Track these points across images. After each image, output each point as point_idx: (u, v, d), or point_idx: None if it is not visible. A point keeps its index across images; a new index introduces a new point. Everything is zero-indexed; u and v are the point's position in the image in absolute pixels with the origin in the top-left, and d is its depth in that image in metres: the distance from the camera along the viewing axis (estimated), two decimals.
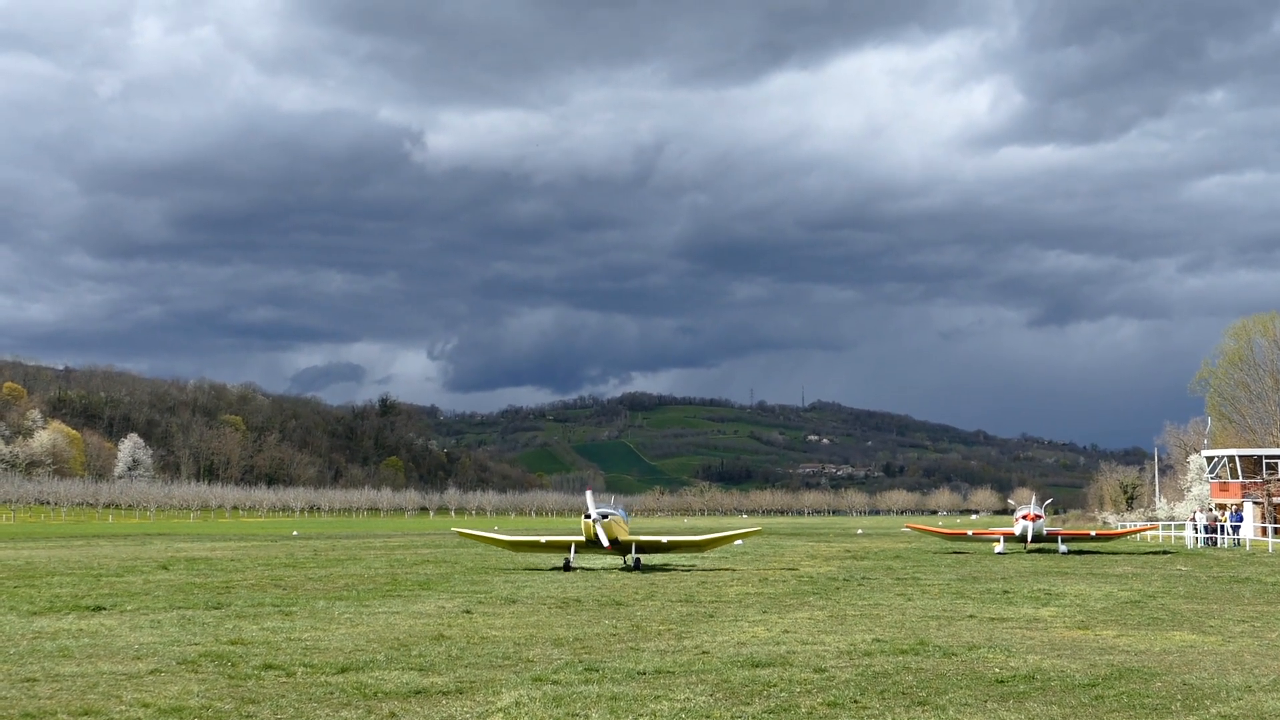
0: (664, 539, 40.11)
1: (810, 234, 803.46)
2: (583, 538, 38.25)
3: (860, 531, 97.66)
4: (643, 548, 39.21)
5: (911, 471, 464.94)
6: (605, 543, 37.52)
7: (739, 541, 55.92)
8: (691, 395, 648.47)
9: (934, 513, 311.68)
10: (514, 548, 43.40)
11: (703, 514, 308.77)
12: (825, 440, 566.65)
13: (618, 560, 40.17)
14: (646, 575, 35.63)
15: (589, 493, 39.86)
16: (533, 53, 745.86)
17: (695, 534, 41.02)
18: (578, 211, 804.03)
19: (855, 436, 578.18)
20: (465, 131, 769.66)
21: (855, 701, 13.71)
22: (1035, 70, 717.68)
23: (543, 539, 40.93)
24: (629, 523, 40.31)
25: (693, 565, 40.56)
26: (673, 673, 15.85)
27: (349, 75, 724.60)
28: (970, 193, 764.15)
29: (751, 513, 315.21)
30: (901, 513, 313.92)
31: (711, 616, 23.53)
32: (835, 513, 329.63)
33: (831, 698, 13.91)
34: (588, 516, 37.76)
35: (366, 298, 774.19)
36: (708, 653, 17.88)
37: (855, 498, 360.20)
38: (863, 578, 35.20)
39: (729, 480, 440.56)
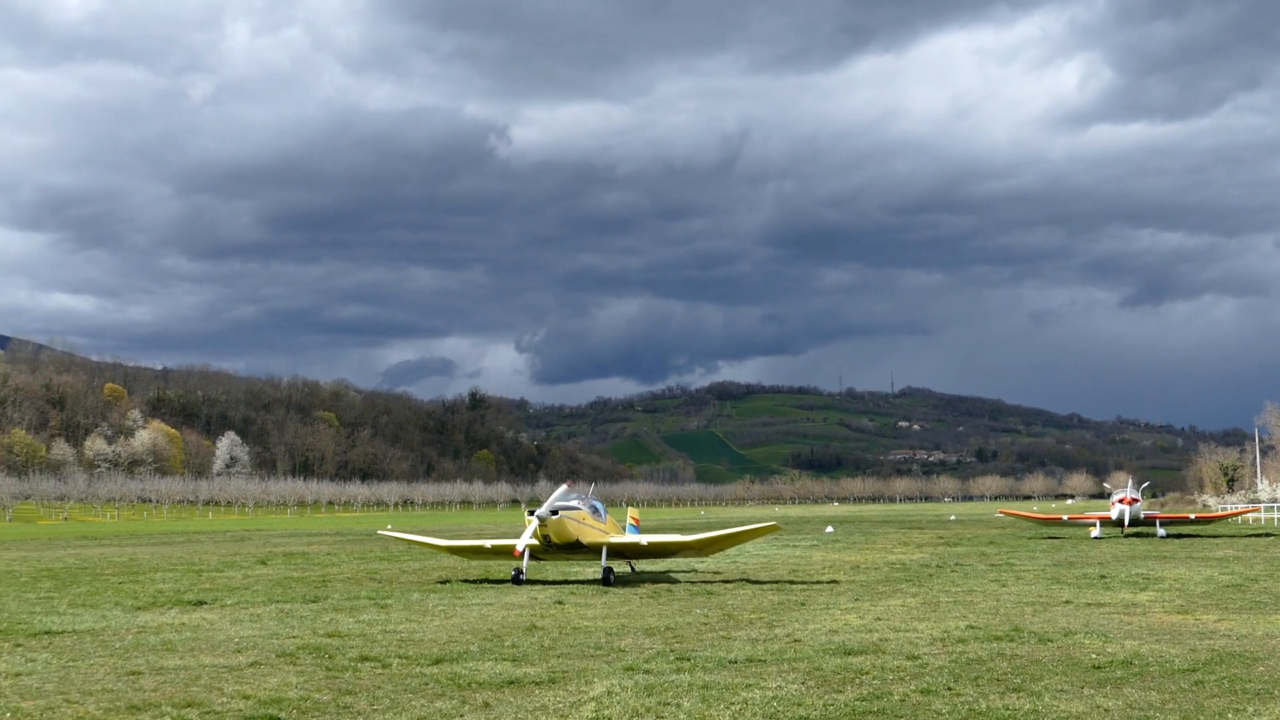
0: (644, 540, 31.07)
1: (897, 218, 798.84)
2: (536, 541, 29.45)
3: (953, 518, 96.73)
4: (617, 552, 30.83)
5: (1004, 456, 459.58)
6: (555, 544, 29.20)
7: (807, 528, 55.23)
8: (779, 383, 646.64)
9: (1028, 498, 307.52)
10: (456, 554, 34.49)
11: (793, 502, 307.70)
12: (916, 426, 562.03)
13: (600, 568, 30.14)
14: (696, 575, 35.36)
15: (563, 487, 31.06)
16: (614, 44, 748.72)
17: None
18: (663, 201, 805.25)
19: (946, 422, 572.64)
20: (549, 125, 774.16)
21: (949, 689, 13.60)
22: (1124, 45, 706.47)
23: (488, 543, 32.43)
24: (605, 520, 31.12)
25: (692, 570, 33.27)
26: (764, 661, 15.84)
27: (433, 72, 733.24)
28: (1060, 172, 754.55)
29: (842, 500, 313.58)
30: (995, 498, 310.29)
31: (803, 605, 23.47)
32: (927, 499, 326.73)
33: (924, 685, 13.81)
34: (531, 513, 29.34)
35: (455, 293, 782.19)
36: (799, 641, 17.84)
37: (947, 484, 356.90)
38: (956, 564, 34.92)
39: (819, 468, 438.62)
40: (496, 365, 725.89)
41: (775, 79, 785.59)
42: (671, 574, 31.89)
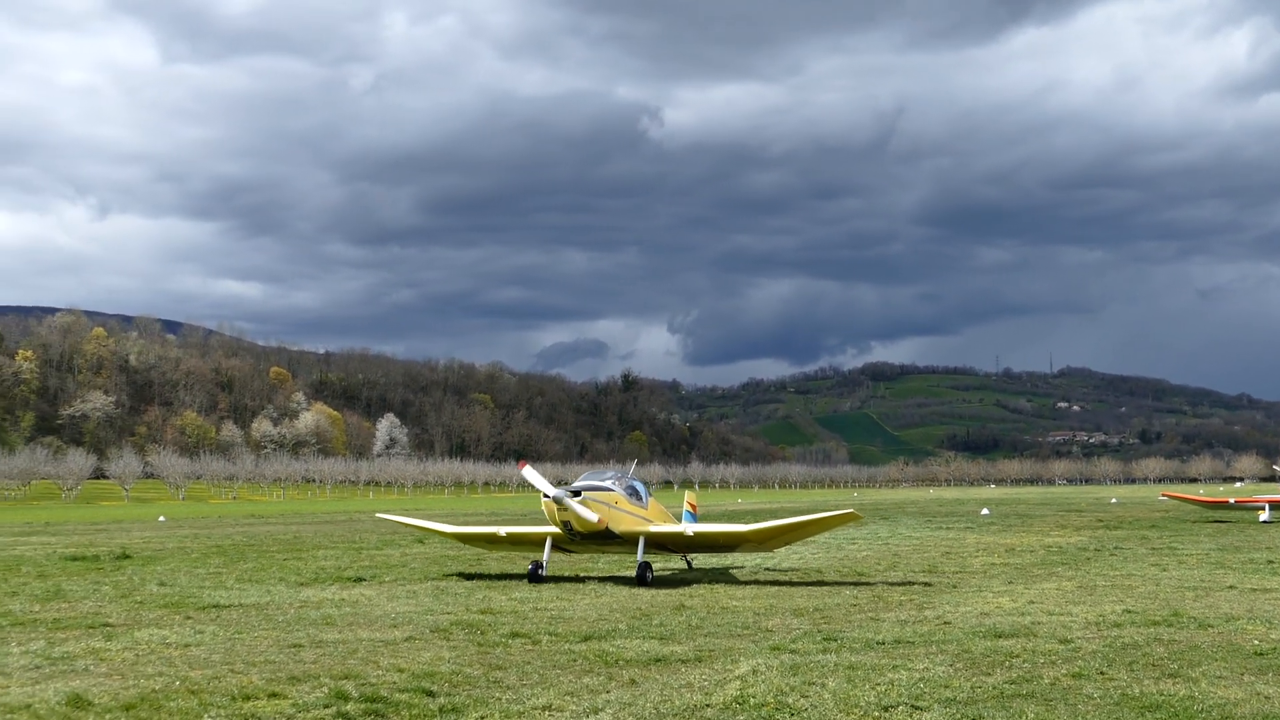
0: (689, 530, 25.54)
1: (1057, 194, 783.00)
2: (557, 529, 24.85)
3: (1114, 501, 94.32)
4: (658, 544, 25.73)
5: (1169, 438, 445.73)
6: (578, 532, 24.37)
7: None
8: (934, 364, 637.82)
9: (1194, 481, 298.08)
10: (464, 542, 29.90)
11: (948, 484, 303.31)
12: (1076, 407, 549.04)
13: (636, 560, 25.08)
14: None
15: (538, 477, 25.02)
16: (765, 24, 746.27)
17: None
18: (816, 181, 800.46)
19: (1108, 402, 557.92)
20: (701, 106, 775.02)
21: (1101, 673, 13.34)
22: None
23: (502, 531, 27.60)
24: (646, 505, 26.14)
25: (753, 564, 28.66)
26: (912, 643, 15.72)
27: (585, 56, 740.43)
28: (1230, 143, 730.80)
29: (999, 482, 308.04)
30: (1158, 481, 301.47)
31: (955, 587, 23.20)
32: (1087, 482, 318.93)
33: (1076, 669, 13.57)
34: (546, 495, 24.29)
35: (608, 275, 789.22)
36: (949, 623, 17.65)
37: (1108, 466, 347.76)
38: (1115, 548, 34.08)
39: (975, 450, 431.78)
40: (649, 347, 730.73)
41: (931, 54, 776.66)
42: (731, 570, 27.74)
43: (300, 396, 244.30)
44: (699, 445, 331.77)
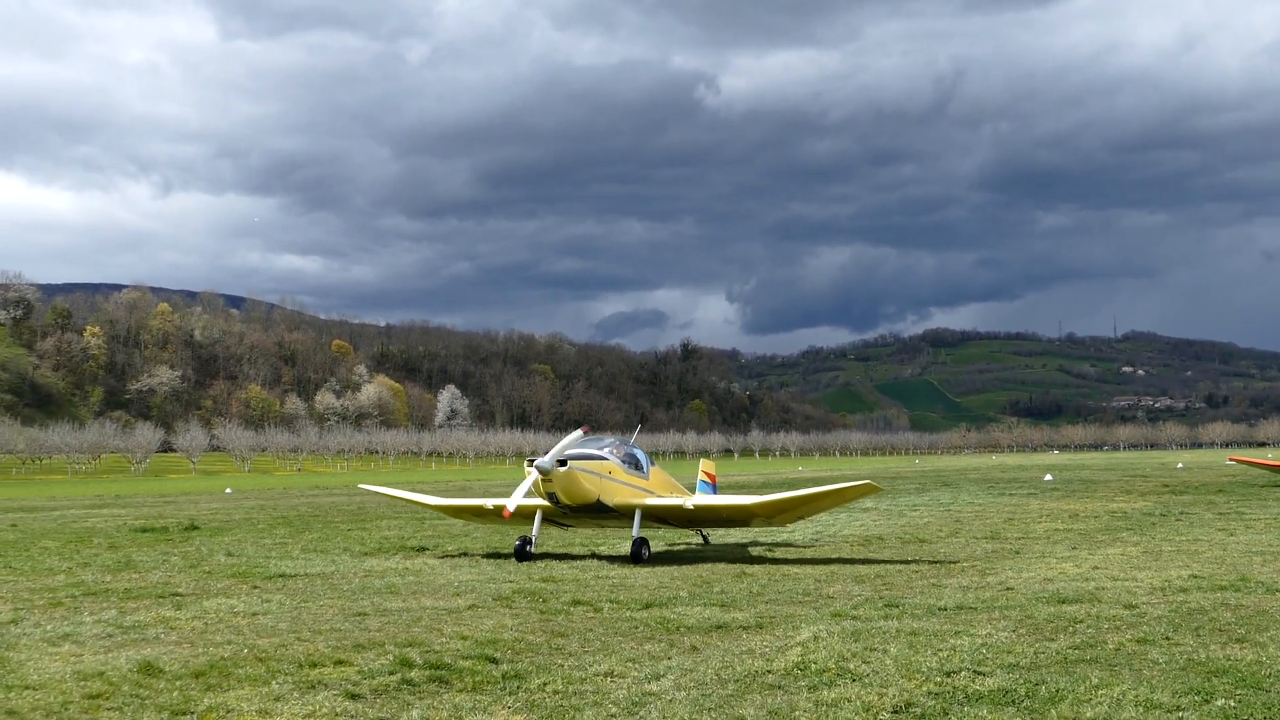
0: (689, 503, 23.62)
1: (1119, 156, 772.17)
2: (545, 501, 23.12)
3: (1181, 466, 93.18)
4: (656, 517, 23.97)
5: (1237, 402, 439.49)
6: (566, 505, 22.74)
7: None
8: (995, 329, 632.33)
9: (1263, 445, 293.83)
10: (451, 514, 28.33)
11: (1011, 450, 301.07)
12: (1140, 371, 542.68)
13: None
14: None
15: (577, 433, 23.18)
16: None
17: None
18: (873, 147, 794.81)
19: (1173, 367, 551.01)
20: (757, 73, 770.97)
21: (1167, 639, 13.21)
22: None
23: (489, 503, 25.47)
24: (646, 475, 24.30)
25: (765, 539, 27.03)
26: (975, 609, 15.64)
27: (640, 24, 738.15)
28: None
29: (1063, 448, 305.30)
30: (1226, 445, 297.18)
31: (1018, 553, 23.04)
32: (1153, 447, 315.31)
33: (1141, 634, 13.44)
34: (530, 462, 22.55)
35: (665, 244, 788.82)
36: (1012, 589, 17.54)
37: (1174, 431, 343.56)
38: (1181, 513, 33.69)
39: (1038, 415, 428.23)
40: (708, 316, 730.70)
41: (990, 16, 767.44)
42: (749, 549, 25.69)
43: (362, 369, 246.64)
44: (759, 414, 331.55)
